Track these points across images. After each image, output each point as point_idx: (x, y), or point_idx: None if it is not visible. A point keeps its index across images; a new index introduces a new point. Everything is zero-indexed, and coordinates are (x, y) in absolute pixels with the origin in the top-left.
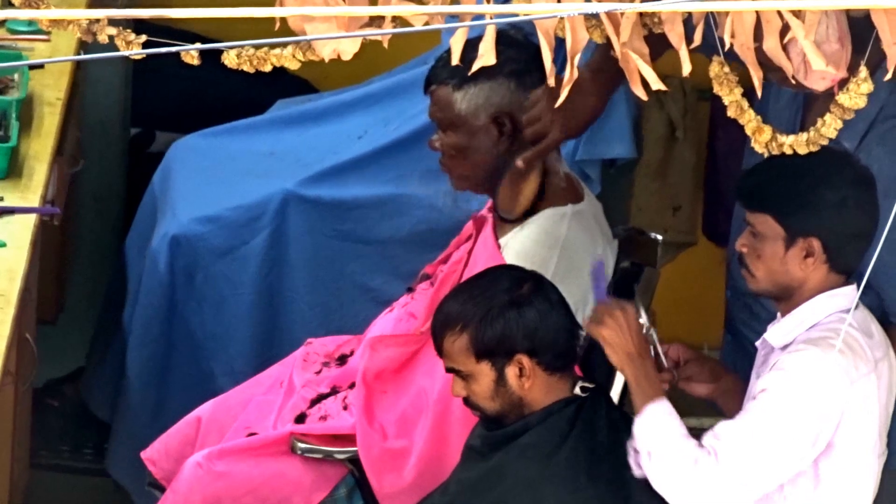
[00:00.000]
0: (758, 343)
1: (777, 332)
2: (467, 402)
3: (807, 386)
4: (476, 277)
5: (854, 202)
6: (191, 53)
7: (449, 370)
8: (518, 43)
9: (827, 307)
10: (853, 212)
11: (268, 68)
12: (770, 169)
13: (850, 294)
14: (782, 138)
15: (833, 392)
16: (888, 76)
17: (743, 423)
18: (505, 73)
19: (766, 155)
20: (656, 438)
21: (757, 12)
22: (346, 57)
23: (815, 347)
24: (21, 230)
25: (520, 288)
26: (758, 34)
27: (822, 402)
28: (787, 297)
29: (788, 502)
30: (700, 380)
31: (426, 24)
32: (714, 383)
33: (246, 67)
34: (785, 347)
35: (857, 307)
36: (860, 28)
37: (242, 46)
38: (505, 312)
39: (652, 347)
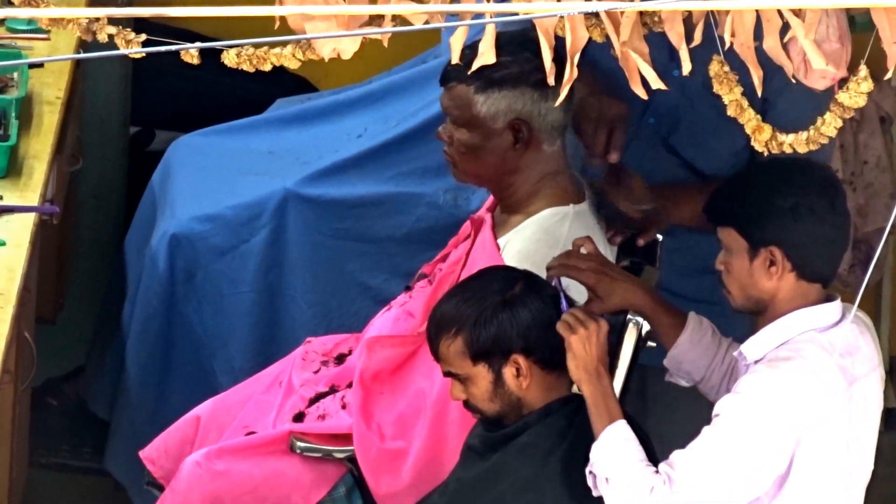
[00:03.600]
0: (735, 353)
1: (750, 346)
2: (467, 404)
3: (759, 410)
4: (468, 280)
5: (807, 209)
6: (190, 52)
7: (446, 374)
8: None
9: (800, 324)
10: (808, 218)
11: (267, 67)
12: (731, 183)
13: (830, 311)
14: (782, 137)
15: (787, 416)
16: (888, 75)
17: (696, 450)
18: (531, 82)
19: (766, 154)
20: (614, 464)
21: (757, 11)
22: (346, 56)
23: (770, 370)
24: (20, 229)
25: (512, 288)
26: (758, 33)
27: (775, 426)
28: (763, 312)
29: None
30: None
31: (426, 23)
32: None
33: (245, 66)
34: (758, 362)
35: (838, 324)
36: None
37: (242, 45)
38: (498, 313)
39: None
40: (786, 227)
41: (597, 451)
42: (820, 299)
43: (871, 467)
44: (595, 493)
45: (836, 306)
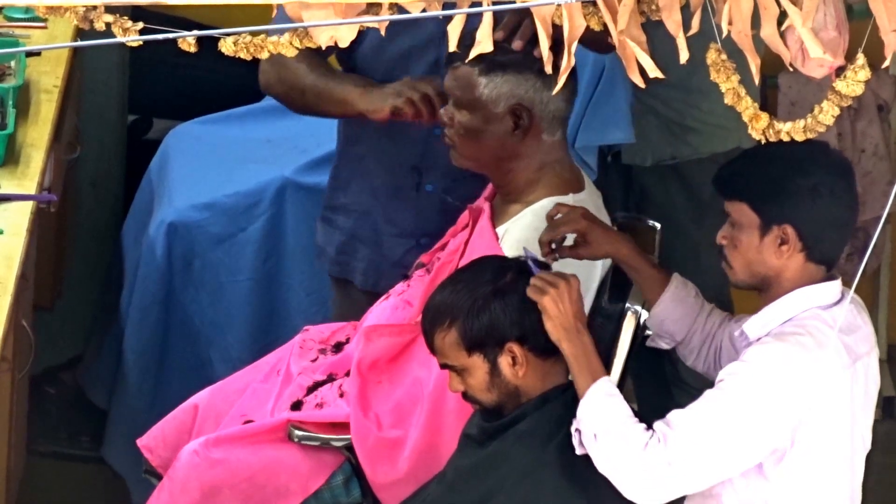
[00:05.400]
0: (736, 333)
1: (754, 324)
2: (465, 396)
3: (766, 380)
4: (460, 271)
5: (827, 190)
6: (188, 40)
7: (443, 366)
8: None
9: (804, 302)
10: (826, 199)
11: (265, 55)
12: (746, 158)
13: (831, 290)
14: (779, 125)
15: (793, 389)
16: (885, 64)
17: (696, 411)
18: (535, 69)
19: (763, 142)
20: (602, 421)
21: None
22: (344, 44)
23: (780, 343)
24: (18, 217)
25: (503, 276)
26: (755, 21)
27: (780, 398)
28: (766, 289)
29: (739, 497)
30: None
31: (423, 10)
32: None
33: (243, 55)
34: (759, 340)
35: (839, 303)
36: None
37: (239, 33)
38: (490, 302)
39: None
40: (803, 206)
41: (583, 409)
42: (822, 280)
43: (869, 446)
44: (579, 451)
45: (836, 285)
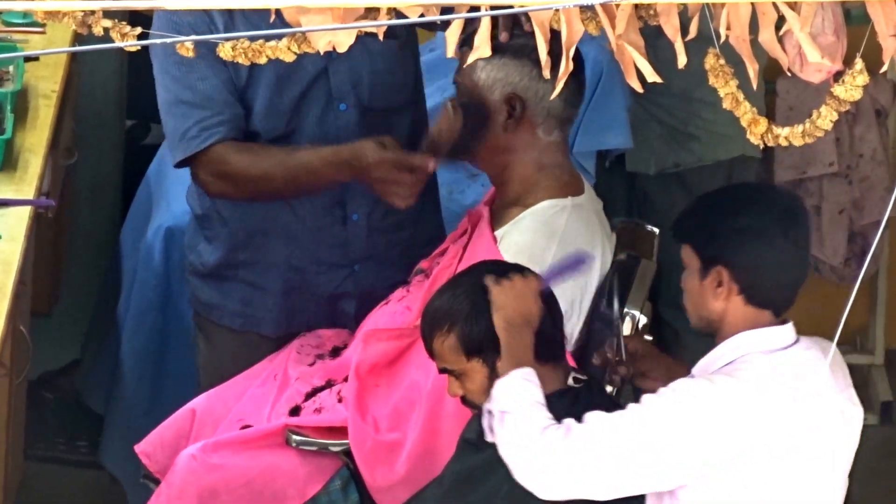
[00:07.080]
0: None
1: (699, 367)
2: (465, 401)
3: (680, 409)
4: (459, 275)
5: (755, 232)
6: (186, 45)
7: (442, 371)
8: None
9: (746, 346)
10: (754, 241)
11: (263, 60)
12: (698, 201)
13: (779, 334)
14: (778, 130)
15: (702, 426)
16: (883, 68)
17: (610, 416)
18: (533, 57)
19: (762, 146)
20: (512, 400)
21: (753, 4)
22: (342, 49)
23: (706, 382)
24: (16, 222)
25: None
26: (753, 26)
27: (698, 429)
28: (716, 333)
29: None
30: (654, 376)
31: (421, 15)
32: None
33: (241, 60)
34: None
35: (795, 344)
36: None
37: (237, 38)
38: (489, 307)
39: (615, 339)
40: (733, 247)
41: (499, 387)
42: (771, 324)
43: (843, 486)
44: (489, 438)
45: (787, 329)
